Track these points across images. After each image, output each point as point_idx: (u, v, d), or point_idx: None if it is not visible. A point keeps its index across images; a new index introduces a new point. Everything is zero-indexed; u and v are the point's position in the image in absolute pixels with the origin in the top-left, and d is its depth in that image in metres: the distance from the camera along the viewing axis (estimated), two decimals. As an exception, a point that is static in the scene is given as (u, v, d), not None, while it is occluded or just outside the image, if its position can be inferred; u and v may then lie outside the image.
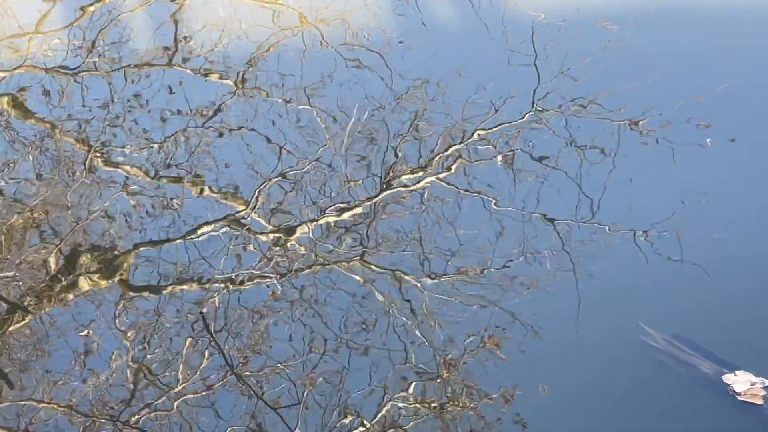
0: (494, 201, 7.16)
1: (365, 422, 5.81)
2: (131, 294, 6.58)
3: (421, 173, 7.42)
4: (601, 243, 6.83)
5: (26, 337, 6.32)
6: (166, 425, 5.83)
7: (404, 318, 6.38)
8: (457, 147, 7.62)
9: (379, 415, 5.85)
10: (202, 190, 7.35)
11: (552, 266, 6.68)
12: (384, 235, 6.97)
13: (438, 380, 6.01)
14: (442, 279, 6.62)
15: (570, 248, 6.81)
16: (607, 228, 6.93)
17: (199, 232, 7.00)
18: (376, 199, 7.21)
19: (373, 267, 6.70)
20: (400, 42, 7.76)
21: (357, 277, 6.63)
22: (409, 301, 6.49)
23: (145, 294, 6.57)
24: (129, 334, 6.30)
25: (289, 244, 6.88)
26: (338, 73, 8.55)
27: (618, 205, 7.09)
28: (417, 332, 6.28)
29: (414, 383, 6.02)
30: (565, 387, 5.97)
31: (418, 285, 6.58)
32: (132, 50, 8.94)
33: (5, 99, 8.27)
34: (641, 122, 7.75)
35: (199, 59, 8.81)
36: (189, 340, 6.25)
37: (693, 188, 7.17)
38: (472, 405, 5.90)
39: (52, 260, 6.74)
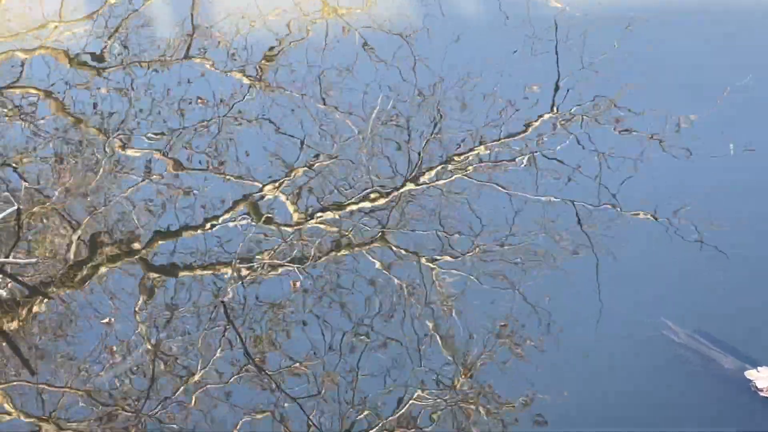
0: (509, 193, 7.15)
1: (382, 418, 5.80)
2: (152, 276, 6.58)
3: (443, 168, 7.40)
4: (622, 237, 6.81)
5: (47, 323, 6.33)
6: (184, 415, 5.83)
7: (424, 313, 6.37)
8: (479, 145, 7.61)
9: (397, 414, 5.84)
10: (223, 179, 7.35)
11: (572, 259, 6.66)
12: (407, 217, 6.96)
13: (457, 383, 5.99)
14: (462, 271, 6.60)
15: (592, 243, 6.78)
16: (629, 216, 6.92)
17: (220, 219, 7.00)
18: (401, 190, 7.20)
19: (393, 248, 6.69)
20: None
21: (376, 262, 6.61)
22: (427, 295, 6.48)
23: (165, 278, 6.56)
24: (148, 323, 6.30)
25: (309, 230, 6.87)
26: (360, 64, 8.54)
27: (641, 201, 7.07)
28: (435, 332, 6.28)
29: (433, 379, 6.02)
30: (585, 382, 5.95)
31: (441, 280, 6.57)
32: (153, 39, 8.94)
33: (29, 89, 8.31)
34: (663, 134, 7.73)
35: (221, 48, 8.80)
36: (206, 329, 6.24)
37: (715, 186, 7.17)
38: (489, 406, 5.89)
39: (72, 247, 6.75)
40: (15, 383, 5.96)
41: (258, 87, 8.32)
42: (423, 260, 6.66)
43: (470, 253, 6.70)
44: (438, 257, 6.68)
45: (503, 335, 6.19)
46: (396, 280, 6.55)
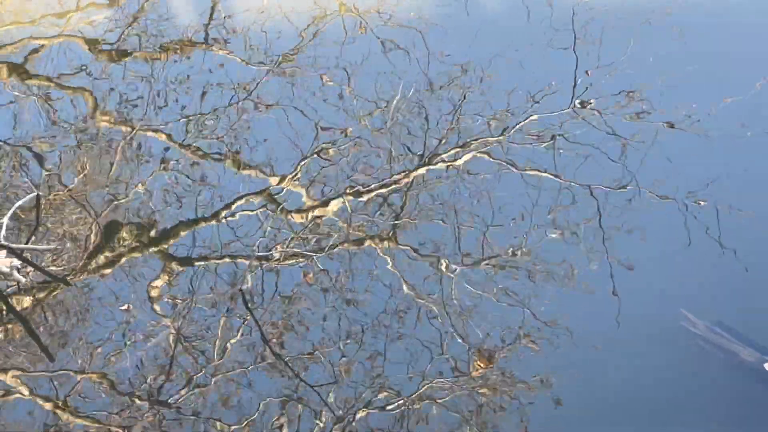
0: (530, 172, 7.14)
1: (399, 402, 5.81)
2: (170, 266, 6.59)
3: (460, 151, 7.39)
4: (642, 228, 6.79)
5: (66, 309, 6.35)
6: (202, 401, 5.84)
7: (438, 307, 6.37)
8: (498, 133, 7.61)
9: (414, 396, 5.84)
10: (239, 166, 7.35)
11: (592, 251, 6.64)
12: (421, 207, 6.96)
13: (474, 373, 5.99)
14: (478, 266, 6.59)
15: (611, 232, 6.77)
16: (649, 204, 6.90)
17: (236, 208, 7.00)
18: (414, 174, 7.19)
19: (403, 247, 6.69)
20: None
21: (388, 259, 6.61)
22: (442, 289, 6.48)
23: (183, 268, 6.58)
24: (167, 311, 6.31)
25: (324, 219, 6.87)
26: (377, 56, 8.54)
27: (660, 187, 7.05)
28: (449, 322, 6.27)
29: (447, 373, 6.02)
30: (604, 372, 5.94)
31: (454, 270, 6.56)
32: (173, 29, 8.95)
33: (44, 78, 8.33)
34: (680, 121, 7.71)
35: (239, 39, 8.82)
36: (226, 317, 6.25)
37: (733, 175, 7.15)
38: (507, 391, 5.88)
39: (91, 234, 6.76)
40: (33, 369, 5.97)
41: (276, 76, 8.32)
42: (441, 257, 6.66)
43: (487, 246, 6.69)
44: (455, 252, 6.68)
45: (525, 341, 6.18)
46: (411, 275, 6.55)
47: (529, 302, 6.32)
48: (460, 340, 6.14)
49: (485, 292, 6.39)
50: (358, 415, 5.77)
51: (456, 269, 6.54)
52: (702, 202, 6.89)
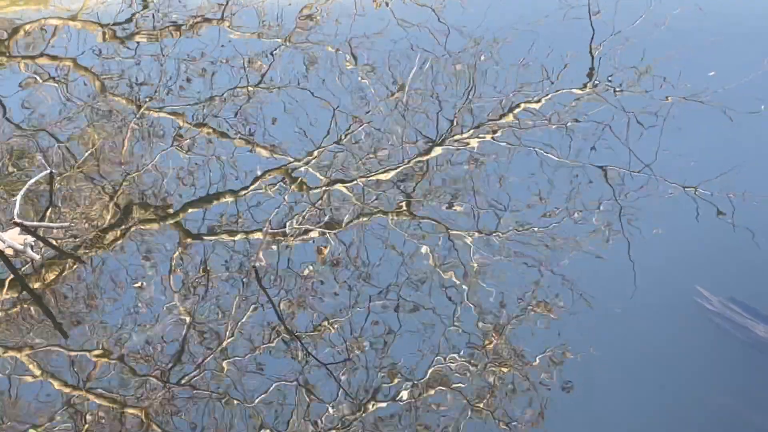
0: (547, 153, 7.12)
1: (413, 381, 5.80)
2: (184, 242, 6.60)
3: (474, 132, 7.38)
4: (656, 203, 6.76)
5: (79, 287, 6.37)
6: (215, 381, 5.85)
7: (453, 276, 6.35)
8: (511, 111, 7.58)
9: (427, 375, 5.83)
10: (252, 145, 7.35)
11: (606, 227, 6.62)
12: (434, 186, 6.95)
13: (487, 345, 5.97)
14: (492, 235, 6.58)
15: (624, 209, 6.74)
16: (661, 184, 6.87)
17: (250, 187, 7.00)
18: (428, 156, 7.18)
19: (421, 219, 6.68)
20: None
21: (403, 232, 6.60)
22: (459, 259, 6.46)
23: (197, 243, 6.58)
24: (180, 288, 6.32)
25: (337, 196, 6.87)
26: (391, 30, 8.52)
27: (673, 166, 7.02)
28: (465, 292, 6.26)
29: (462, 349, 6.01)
30: (618, 349, 5.92)
31: (468, 240, 6.55)
32: (183, 9, 8.95)
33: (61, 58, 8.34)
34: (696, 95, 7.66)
35: (251, 16, 8.81)
36: (239, 295, 6.26)
37: (746, 152, 7.10)
38: (520, 367, 5.87)
39: (105, 211, 6.78)
40: (45, 347, 6.00)
41: (289, 53, 8.31)
42: (451, 232, 6.65)
43: (501, 222, 6.68)
44: (468, 228, 6.67)
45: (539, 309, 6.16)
46: (425, 248, 6.54)
47: (542, 278, 6.31)
48: (474, 311, 6.13)
49: (502, 258, 6.38)
50: (369, 396, 5.77)
51: (474, 236, 6.54)
52: (717, 184, 6.85)
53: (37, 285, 6.34)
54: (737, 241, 6.50)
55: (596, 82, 7.85)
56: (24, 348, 5.99)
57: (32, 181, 6.76)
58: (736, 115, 7.41)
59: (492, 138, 7.31)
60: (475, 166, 7.11)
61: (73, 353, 5.96)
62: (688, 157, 7.08)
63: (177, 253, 6.55)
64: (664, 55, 7.99)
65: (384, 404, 5.71)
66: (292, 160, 7.19)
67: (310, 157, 7.19)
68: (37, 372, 5.87)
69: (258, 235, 6.60)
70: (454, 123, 7.47)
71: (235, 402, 5.73)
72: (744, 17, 8.59)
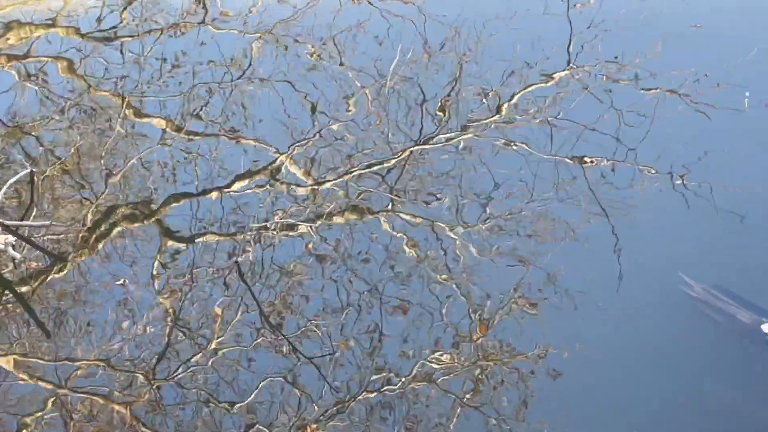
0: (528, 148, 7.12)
1: (399, 377, 5.80)
2: (167, 241, 6.58)
3: (457, 124, 7.38)
4: (639, 193, 6.77)
5: (62, 286, 6.35)
6: (202, 378, 5.84)
7: (439, 271, 6.35)
8: (494, 104, 7.59)
9: (413, 371, 5.83)
10: (237, 142, 7.34)
11: (589, 216, 6.63)
12: (420, 179, 6.94)
13: (475, 339, 5.97)
14: (477, 228, 6.58)
15: (608, 198, 6.75)
16: (645, 172, 6.89)
17: (234, 183, 6.99)
18: (412, 149, 7.18)
19: (405, 216, 6.67)
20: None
21: (388, 228, 6.59)
22: (444, 252, 6.46)
23: (180, 244, 6.57)
24: (164, 287, 6.31)
25: (322, 191, 6.86)
26: (374, 24, 8.53)
27: (655, 155, 7.04)
28: (454, 286, 6.26)
29: (449, 341, 6.01)
30: (603, 337, 5.93)
31: (453, 235, 6.55)
32: (166, 6, 8.94)
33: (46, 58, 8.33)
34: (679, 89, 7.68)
35: (232, 15, 8.80)
36: (222, 292, 6.24)
37: (728, 140, 7.12)
38: (506, 359, 5.87)
39: (86, 210, 6.76)
40: (30, 348, 5.98)
41: (270, 49, 8.30)
42: (438, 225, 6.64)
43: (485, 216, 6.68)
44: (452, 222, 6.66)
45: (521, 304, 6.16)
46: (410, 243, 6.53)
47: (527, 271, 6.31)
48: (461, 303, 6.13)
49: (484, 256, 6.38)
50: (357, 389, 5.76)
51: (459, 230, 6.54)
52: (698, 173, 6.87)
53: (19, 284, 6.32)
54: (721, 230, 6.51)
55: (577, 74, 7.86)
56: (7, 347, 5.97)
57: (13, 180, 6.74)
58: (719, 104, 7.44)
59: (475, 135, 7.31)
60: (460, 160, 7.11)
61: (57, 352, 5.94)
62: (671, 147, 7.10)
63: (160, 250, 6.53)
64: (647, 48, 8.01)
65: (372, 394, 5.71)
66: (276, 155, 7.18)
67: (294, 152, 7.19)
68: (23, 374, 5.85)
69: (242, 233, 6.60)
70: (439, 118, 7.47)
71: (221, 402, 5.73)
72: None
